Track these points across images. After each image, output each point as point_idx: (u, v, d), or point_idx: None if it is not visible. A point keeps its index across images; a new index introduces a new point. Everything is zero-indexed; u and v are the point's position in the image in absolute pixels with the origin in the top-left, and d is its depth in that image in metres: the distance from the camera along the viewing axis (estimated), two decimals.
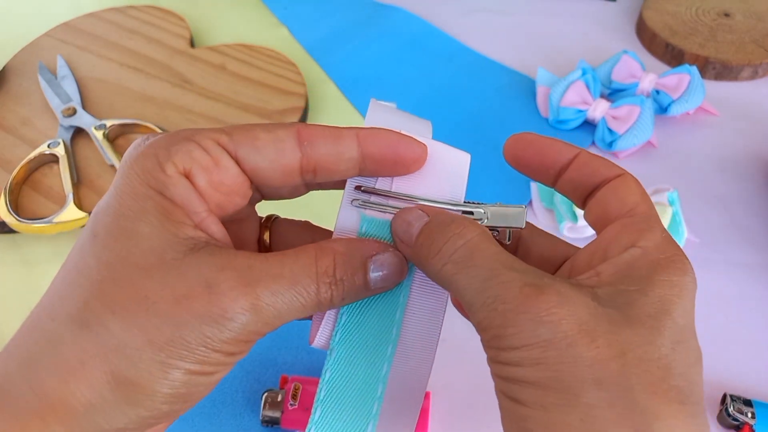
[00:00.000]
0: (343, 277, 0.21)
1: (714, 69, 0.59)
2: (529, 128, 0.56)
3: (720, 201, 0.49)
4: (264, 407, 0.36)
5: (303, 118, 0.56)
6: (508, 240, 0.24)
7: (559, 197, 0.46)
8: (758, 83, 0.60)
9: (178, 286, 0.19)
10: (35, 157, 0.50)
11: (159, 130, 0.53)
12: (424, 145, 0.23)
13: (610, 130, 0.52)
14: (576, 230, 0.45)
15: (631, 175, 0.23)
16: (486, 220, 0.23)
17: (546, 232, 0.25)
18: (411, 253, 0.22)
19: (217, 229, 0.21)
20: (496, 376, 0.19)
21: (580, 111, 0.53)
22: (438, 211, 0.22)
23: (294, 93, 0.57)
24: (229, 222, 0.23)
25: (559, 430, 0.17)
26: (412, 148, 0.22)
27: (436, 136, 0.24)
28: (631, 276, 0.19)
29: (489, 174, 0.51)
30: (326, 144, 0.22)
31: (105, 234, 0.20)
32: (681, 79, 0.54)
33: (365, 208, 0.23)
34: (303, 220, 0.27)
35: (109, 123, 0.53)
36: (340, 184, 0.24)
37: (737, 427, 0.36)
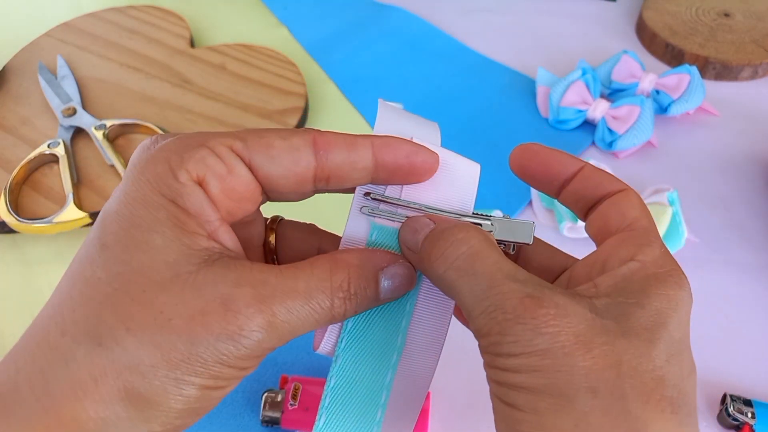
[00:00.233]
0: (357, 291, 0.21)
1: (714, 69, 0.59)
2: (529, 128, 0.56)
3: (720, 201, 0.49)
4: (264, 407, 0.36)
5: (303, 118, 0.56)
6: (513, 251, 0.24)
7: None
8: (758, 83, 0.60)
9: (194, 302, 0.19)
10: (35, 157, 0.50)
11: (159, 130, 0.53)
12: (436, 154, 0.23)
13: (610, 130, 0.52)
14: (576, 230, 0.45)
15: (633, 190, 0.23)
16: (494, 233, 0.23)
17: (546, 243, 0.25)
18: (416, 259, 0.22)
19: (229, 238, 0.21)
20: (491, 380, 0.19)
21: (580, 111, 0.53)
22: (444, 219, 0.22)
23: (294, 93, 0.57)
24: (235, 224, 0.23)
25: None
26: (425, 158, 0.22)
27: None
28: (629, 289, 0.19)
29: (489, 174, 0.51)
30: (341, 153, 0.21)
31: (115, 244, 0.19)
32: (681, 79, 0.54)
33: (375, 216, 0.23)
34: (308, 222, 0.27)
35: (109, 123, 0.53)
36: (347, 189, 0.23)
37: (737, 427, 0.36)
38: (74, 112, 0.55)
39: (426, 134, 0.24)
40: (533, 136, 0.54)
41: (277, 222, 0.26)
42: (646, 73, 0.55)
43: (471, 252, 0.20)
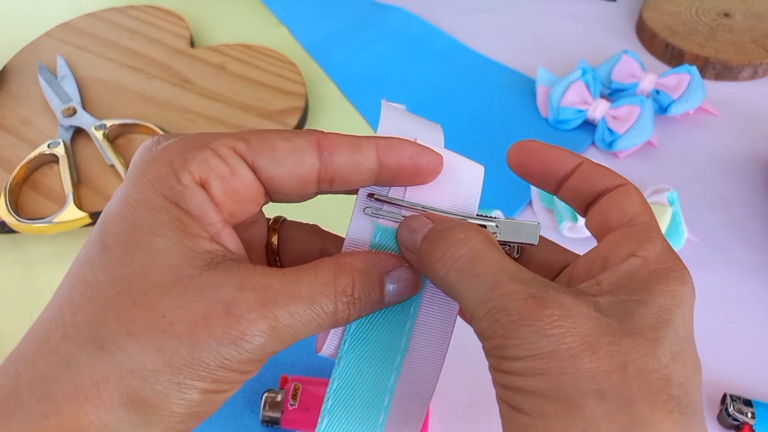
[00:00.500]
0: (361, 296, 0.21)
1: (714, 69, 0.59)
2: (529, 128, 0.56)
3: (720, 201, 0.49)
4: (264, 407, 0.36)
5: (303, 118, 0.56)
6: (517, 253, 0.24)
7: None
8: (758, 83, 0.60)
9: (196, 306, 0.18)
10: (35, 157, 0.50)
11: (159, 130, 0.53)
12: (440, 156, 0.23)
13: (610, 130, 0.52)
14: (576, 230, 0.45)
15: (633, 184, 0.23)
16: (498, 235, 0.23)
17: (547, 239, 0.25)
18: (415, 259, 0.22)
19: (232, 240, 0.21)
20: (497, 384, 0.19)
21: (580, 111, 0.53)
22: (442, 218, 0.22)
23: (294, 93, 0.57)
24: (237, 225, 0.23)
25: None
26: (429, 159, 0.22)
27: None
28: (632, 286, 0.19)
29: (489, 174, 0.51)
30: (345, 154, 0.21)
31: (116, 246, 0.19)
32: (681, 79, 0.54)
33: (378, 217, 0.23)
34: (311, 223, 0.27)
35: (109, 123, 0.53)
36: (351, 191, 0.23)
37: (737, 427, 0.36)
38: (74, 112, 0.55)
39: (430, 135, 0.24)
40: (533, 136, 0.54)
41: (279, 223, 0.26)
42: (646, 73, 0.55)
43: (472, 253, 0.20)
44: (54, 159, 0.51)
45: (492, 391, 0.19)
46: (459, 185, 0.23)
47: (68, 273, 0.20)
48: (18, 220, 0.46)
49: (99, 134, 0.52)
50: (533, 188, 0.49)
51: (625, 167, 0.51)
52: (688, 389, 0.18)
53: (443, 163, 0.23)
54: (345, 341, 0.22)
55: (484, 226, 0.23)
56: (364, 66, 0.63)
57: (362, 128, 0.57)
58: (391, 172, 0.22)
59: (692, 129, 0.55)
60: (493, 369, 0.19)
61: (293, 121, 0.55)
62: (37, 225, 0.46)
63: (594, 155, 0.53)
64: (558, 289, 0.19)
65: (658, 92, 0.54)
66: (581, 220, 0.44)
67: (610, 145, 0.52)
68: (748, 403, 0.36)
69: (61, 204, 0.48)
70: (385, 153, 0.22)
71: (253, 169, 0.21)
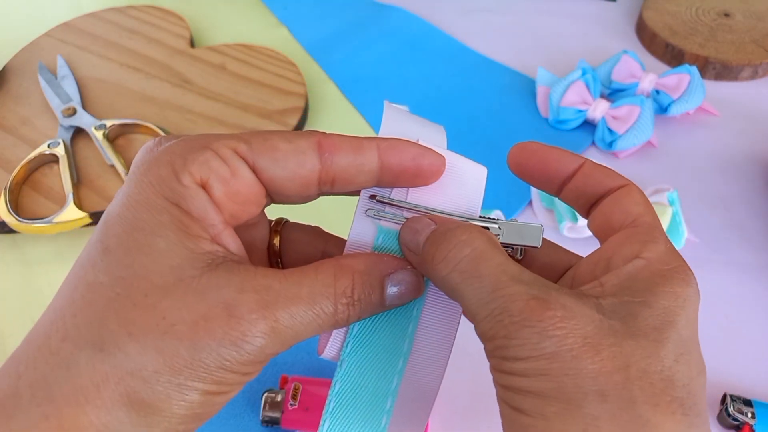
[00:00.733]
0: (361, 297, 0.21)
1: (714, 69, 0.59)
2: (529, 128, 0.56)
3: (720, 201, 0.49)
4: (264, 407, 0.36)
5: (303, 118, 0.56)
6: (520, 255, 0.24)
7: None
8: (758, 83, 0.60)
9: (197, 308, 0.18)
10: (35, 157, 0.50)
11: (159, 130, 0.53)
12: (443, 157, 0.22)
13: (610, 130, 0.52)
14: (576, 230, 0.45)
15: (635, 185, 0.23)
16: (501, 237, 0.23)
17: (550, 241, 0.25)
18: (418, 261, 0.22)
19: (233, 241, 0.21)
20: (498, 384, 0.19)
21: (580, 111, 0.53)
22: (445, 219, 0.22)
23: (294, 93, 0.57)
24: (239, 227, 0.23)
25: None
26: (431, 160, 0.22)
27: None
28: (635, 287, 0.19)
29: (489, 174, 0.51)
30: (347, 156, 0.21)
31: (117, 247, 0.19)
32: (681, 79, 0.54)
33: (380, 219, 0.23)
34: (313, 225, 0.27)
35: (109, 123, 0.53)
36: (352, 192, 0.23)
37: (737, 427, 0.36)
38: (74, 112, 0.55)
39: (432, 136, 0.24)
40: (533, 136, 0.54)
41: (281, 224, 0.26)
42: (646, 73, 0.55)
43: (475, 254, 0.20)
44: (54, 159, 0.51)
45: (493, 392, 0.19)
46: (462, 187, 0.23)
47: (69, 274, 0.20)
48: (18, 220, 0.46)
49: (99, 134, 0.52)
50: (533, 188, 0.49)
51: (625, 167, 0.51)
52: (692, 391, 0.18)
53: (446, 165, 0.23)
54: (347, 344, 0.22)
55: (487, 228, 0.23)
56: (364, 66, 0.63)
57: (362, 128, 0.57)
58: (393, 174, 0.22)
59: (692, 129, 0.55)
60: (495, 370, 0.19)
61: (293, 121, 0.55)
62: (37, 225, 0.46)
63: (594, 155, 0.53)
64: (560, 290, 0.19)
65: (658, 92, 0.54)
66: (581, 221, 0.44)
67: (610, 145, 0.52)
68: (748, 403, 0.36)
69: (61, 204, 0.48)
70: (387, 154, 0.21)
71: (254, 171, 0.21)
